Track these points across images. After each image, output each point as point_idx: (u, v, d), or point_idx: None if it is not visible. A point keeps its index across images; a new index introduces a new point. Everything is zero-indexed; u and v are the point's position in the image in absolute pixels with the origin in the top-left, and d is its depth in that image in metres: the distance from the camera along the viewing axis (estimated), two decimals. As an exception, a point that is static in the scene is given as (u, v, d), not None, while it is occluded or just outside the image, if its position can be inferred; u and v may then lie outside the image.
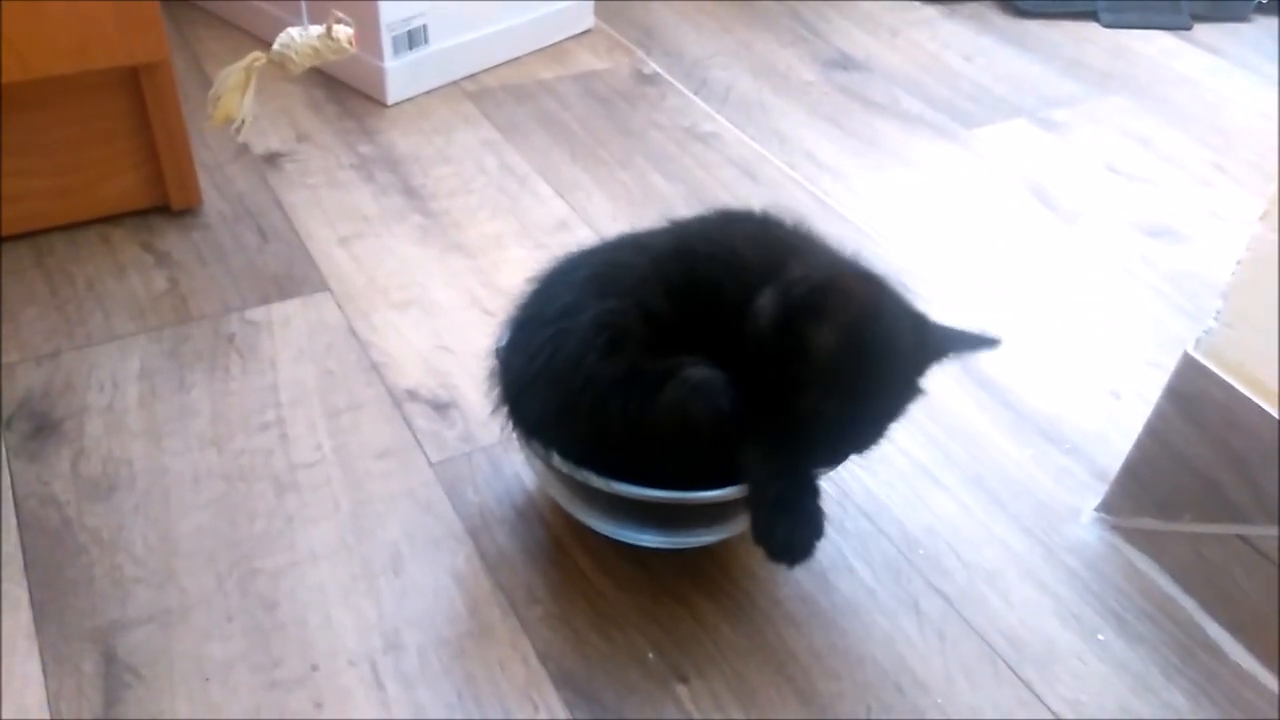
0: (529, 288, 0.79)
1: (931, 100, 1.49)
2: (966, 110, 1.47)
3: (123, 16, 0.96)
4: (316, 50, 1.00)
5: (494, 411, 0.78)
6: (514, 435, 0.77)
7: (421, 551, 0.81)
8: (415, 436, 0.90)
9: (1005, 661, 0.76)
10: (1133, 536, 0.86)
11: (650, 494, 0.71)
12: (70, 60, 0.96)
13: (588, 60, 1.51)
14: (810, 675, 0.74)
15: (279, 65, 1.00)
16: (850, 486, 0.89)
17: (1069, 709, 0.74)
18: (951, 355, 0.76)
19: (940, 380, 1.00)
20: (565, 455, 0.73)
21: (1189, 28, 1.76)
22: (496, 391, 0.78)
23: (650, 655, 0.75)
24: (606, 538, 0.82)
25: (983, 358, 1.03)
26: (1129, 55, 1.67)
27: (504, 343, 0.79)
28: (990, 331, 0.77)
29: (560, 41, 1.55)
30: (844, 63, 1.57)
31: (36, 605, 0.75)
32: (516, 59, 1.49)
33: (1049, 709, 0.74)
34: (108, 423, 0.89)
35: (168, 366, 0.95)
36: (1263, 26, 1.78)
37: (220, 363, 0.96)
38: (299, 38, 1.00)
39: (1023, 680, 0.75)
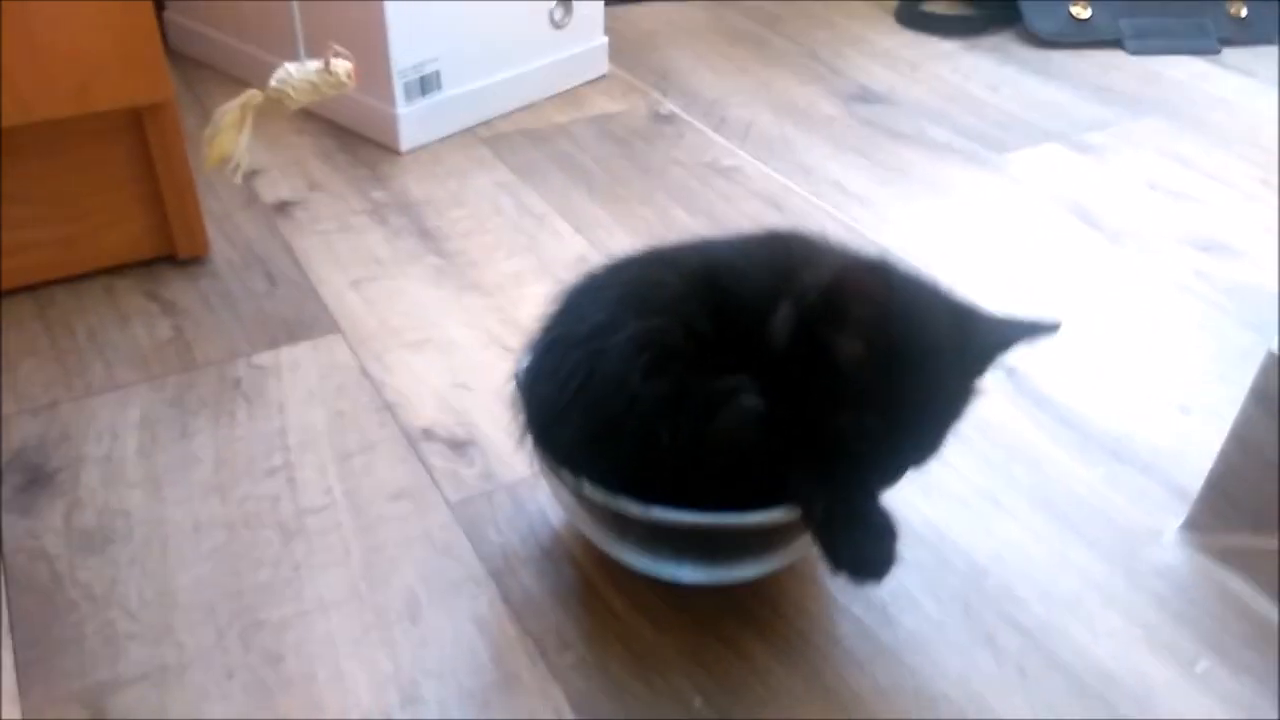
0: (551, 309, 0.73)
1: (959, 129, 1.45)
2: (996, 137, 1.43)
3: (125, 56, 0.93)
4: (314, 85, 0.97)
5: (519, 440, 0.71)
6: (540, 465, 0.70)
7: (440, 597, 0.74)
8: (431, 476, 0.84)
9: (1098, 699, 0.68)
10: (1224, 555, 0.78)
11: (693, 518, 0.64)
12: (72, 102, 0.93)
13: (603, 104, 1.48)
14: None
15: (276, 102, 0.97)
16: (907, 515, 0.81)
17: (1174, 750, 0.65)
18: (1006, 348, 0.69)
19: (993, 401, 0.93)
20: (599, 484, 0.66)
21: (1218, 51, 1.72)
22: (521, 419, 0.72)
23: (697, 702, 0.67)
24: (642, 576, 0.75)
25: (1037, 376, 0.96)
26: (1159, 80, 1.62)
27: (526, 367, 0.73)
28: (1047, 318, 0.70)
29: (575, 87, 1.52)
30: (865, 96, 1.53)
31: (21, 667, 0.68)
32: (531, 105, 1.46)
33: (1151, 750, 0.65)
34: (105, 473, 0.83)
35: (170, 414, 0.90)
36: (1293, 48, 1.74)
37: (226, 409, 0.90)
38: (296, 73, 0.97)
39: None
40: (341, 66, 0.97)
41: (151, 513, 0.80)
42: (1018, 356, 0.98)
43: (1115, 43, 1.73)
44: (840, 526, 0.63)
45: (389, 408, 0.91)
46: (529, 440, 0.70)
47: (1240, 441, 0.76)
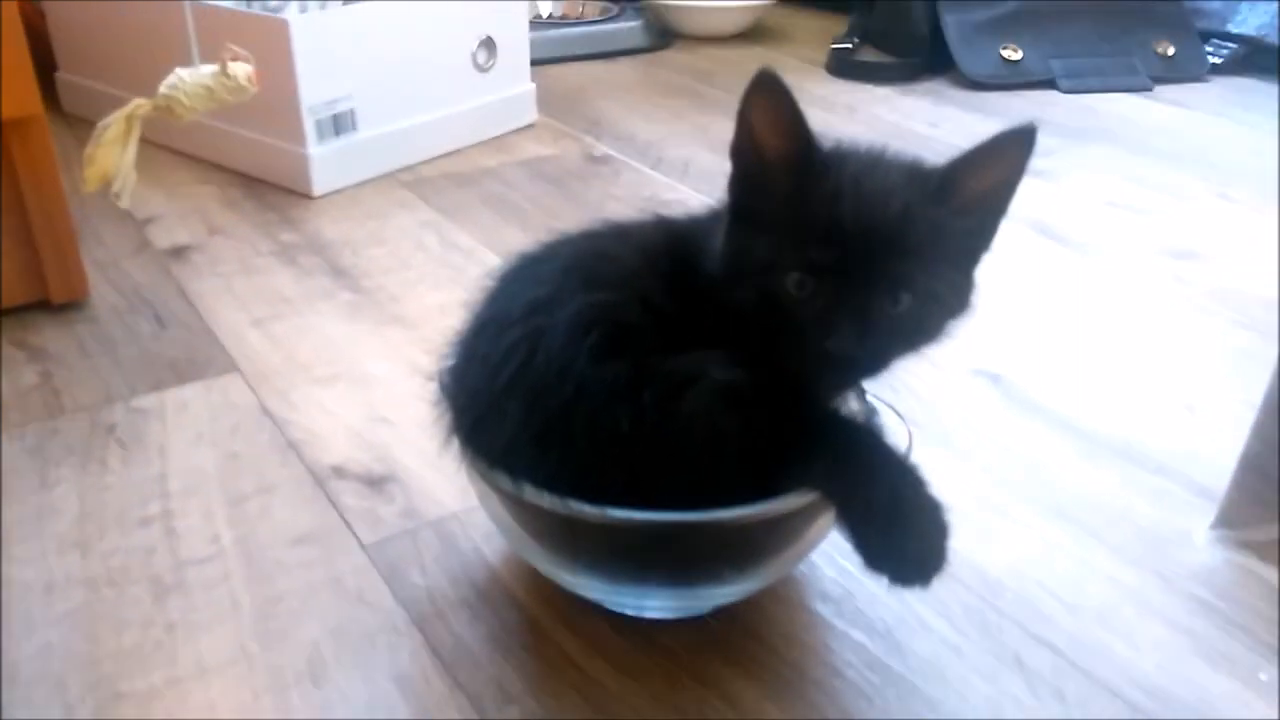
0: (482, 293, 0.62)
1: (905, 160, 1.39)
2: (944, 165, 1.37)
3: (-19, 61, 0.82)
4: (210, 90, 0.86)
5: (444, 443, 0.59)
6: (469, 470, 0.58)
7: (351, 652, 0.60)
8: (342, 517, 0.71)
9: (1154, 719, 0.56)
10: (1266, 551, 0.68)
11: (663, 518, 0.52)
12: (-84, 114, 0.81)
13: (533, 148, 1.40)
14: (899, 761, 0.54)
15: (165, 110, 0.86)
16: (901, 529, 0.70)
17: (1256, 775, 0.53)
18: (1004, 173, 0.55)
19: (979, 409, 0.84)
20: (543, 487, 0.54)
21: (1150, 88, 1.71)
22: (447, 419, 0.59)
23: (674, 758, 0.54)
24: (598, 612, 0.62)
25: (1026, 384, 0.87)
26: (1097, 114, 1.60)
27: (451, 363, 0.61)
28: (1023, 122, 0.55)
29: (502, 135, 1.44)
30: (806, 136, 1.47)
31: None
32: (456, 151, 1.37)
33: (1230, 777, 0.53)
34: (-61, 533, 0.69)
35: (26, 465, 0.75)
36: (1223, 85, 1.74)
37: (95, 456, 0.76)
38: (189, 78, 0.86)
39: (1184, 743, 0.55)
40: (241, 70, 0.87)
41: (-7, 574, 0.65)
42: (1001, 364, 0.90)
43: (1048, 83, 1.71)
44: (897, 518, 0.51)
45: (293, 446, 0.78)
46: (455, 442, 0.58)
47: (1276, 415, 0.66)
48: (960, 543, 0.68)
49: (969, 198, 0.55)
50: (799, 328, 0.53)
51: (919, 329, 0.56)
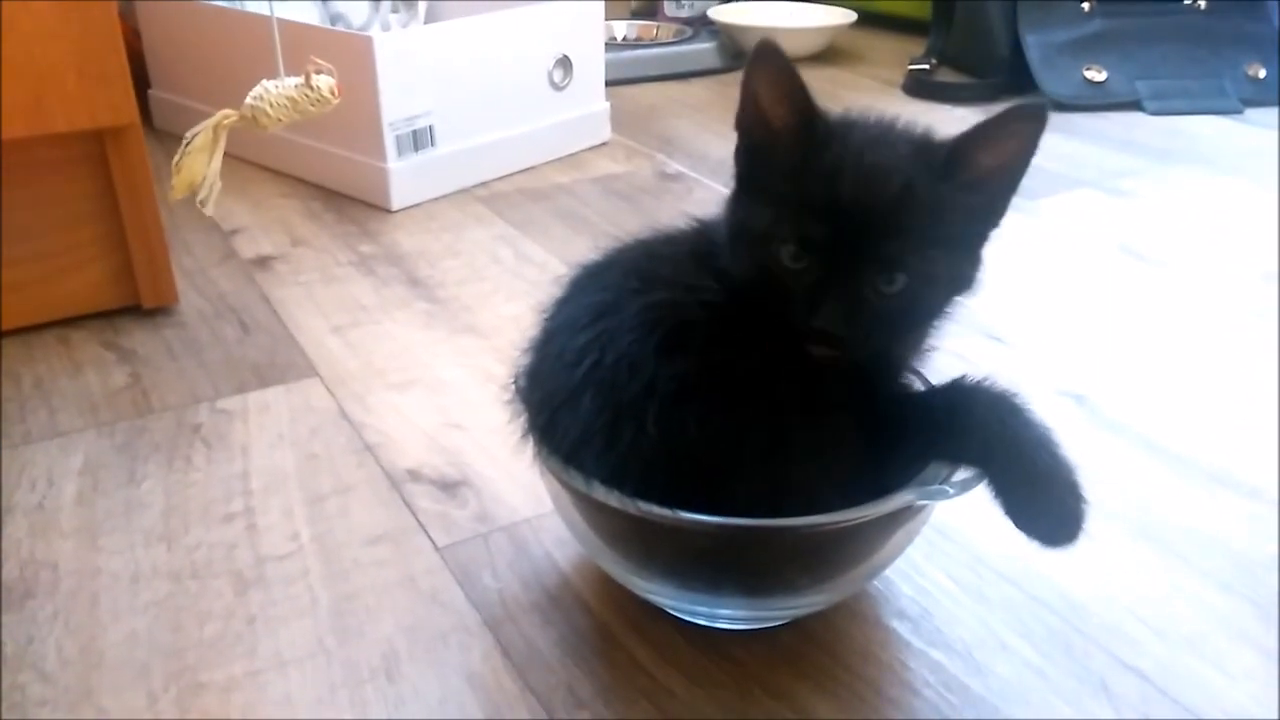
0: (549, 302, 0.63)
1: (983, 180, 1.37)
2: (1023, 185, 1.34)
3: (85, 71, 0.85)
4: (294, 101, 0.88)
5: (520, 440, 0.59)
6: (543, 469, 0.58)
7: (424, 650, 0.60)
8: (417, 519, 0.71)
9: (1250, 752, 0.54)
10: (1372, 583, 0.64)
11: (735, 523, 0.52)
12: (24, 121, 0.84)
13: (606, 165, 1.41)
14: (979, 782, 0.52)
15: (251, 121, 0.89)
16: (983, 549, 0.68)
17: (1361, 814, 0.51)
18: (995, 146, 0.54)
19: (1062, 427, 0.82)
20: (616, 488, 0.54)
21: (1240, 111, 1.66)
22: (522, 418, 0.60)
23: (745, 769, 0.53)
24: (670, 621, 0.62)
25: (1110, 404, 0.85)
26: (1184, 135, 1.56)
27: (525, 365, 0.62)
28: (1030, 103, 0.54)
29: (576, 153, 1.45)
30: (881, 155, 1.46)
31: (-104, 744, 0.55)
32: (530, 168, 1.39)
33: (1333, 815, 0.51)
34: (34, 523, 0.71)
35: (116, 460, 0.78)
36: (1317, 107, 1.68)
37: (181, 454, 0.78)
38: (274, 89, 0.88)
39: (1282, 777, 0.53)
40: (324, 82, 0.89)
41: (83, 563, 0.67)
42: (1085, 385, 0.88)
43: (1133, 104, 1.67)
44: (1029, 484, 0.54)
45: (369, 449, 0.79)
46: (533, 438, 0.58)
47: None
48: (1044, 564, 0.67)
49: (977, 174, 0.54)
50: (790, 301, 0.53)
51: (915, 309, 0.56)
